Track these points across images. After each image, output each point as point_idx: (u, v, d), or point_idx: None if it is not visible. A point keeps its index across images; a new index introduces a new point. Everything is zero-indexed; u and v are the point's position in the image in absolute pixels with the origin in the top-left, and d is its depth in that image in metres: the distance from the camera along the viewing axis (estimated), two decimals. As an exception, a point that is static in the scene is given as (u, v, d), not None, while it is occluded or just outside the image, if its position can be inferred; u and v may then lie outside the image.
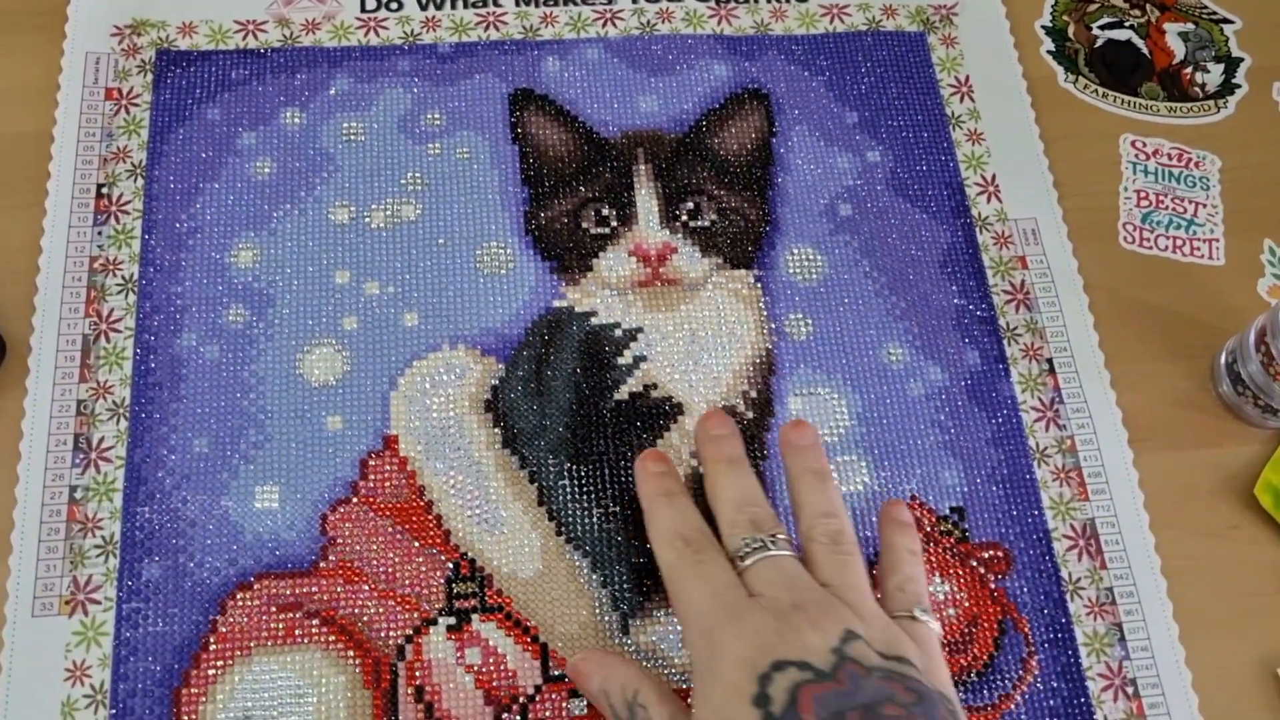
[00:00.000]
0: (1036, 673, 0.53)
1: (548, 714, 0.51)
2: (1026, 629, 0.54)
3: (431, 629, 0.52)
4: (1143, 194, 0.65)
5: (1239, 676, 0.55)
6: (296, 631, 0.52)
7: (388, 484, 0.55)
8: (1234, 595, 0.56)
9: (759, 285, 0.60)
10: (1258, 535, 0.58)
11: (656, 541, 0.50)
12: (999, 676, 0.53)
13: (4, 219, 0.60)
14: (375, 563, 0.53)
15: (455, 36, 0.65)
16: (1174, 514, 0.57)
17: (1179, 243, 0.64)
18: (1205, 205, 0.65)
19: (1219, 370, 0.60)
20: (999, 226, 0.63)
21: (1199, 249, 0.64)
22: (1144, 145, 0.67)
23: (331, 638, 0.52)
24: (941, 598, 0.54)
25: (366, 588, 0.53)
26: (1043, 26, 0.70)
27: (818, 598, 0.45)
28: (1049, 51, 0.69)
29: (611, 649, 0.52)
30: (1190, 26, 0.71)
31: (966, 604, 0.54)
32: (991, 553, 0.56)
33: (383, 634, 0.52)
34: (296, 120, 0.62)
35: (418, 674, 0.51)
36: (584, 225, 0.60)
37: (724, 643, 0.44)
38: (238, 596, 0.52)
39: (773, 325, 0.59)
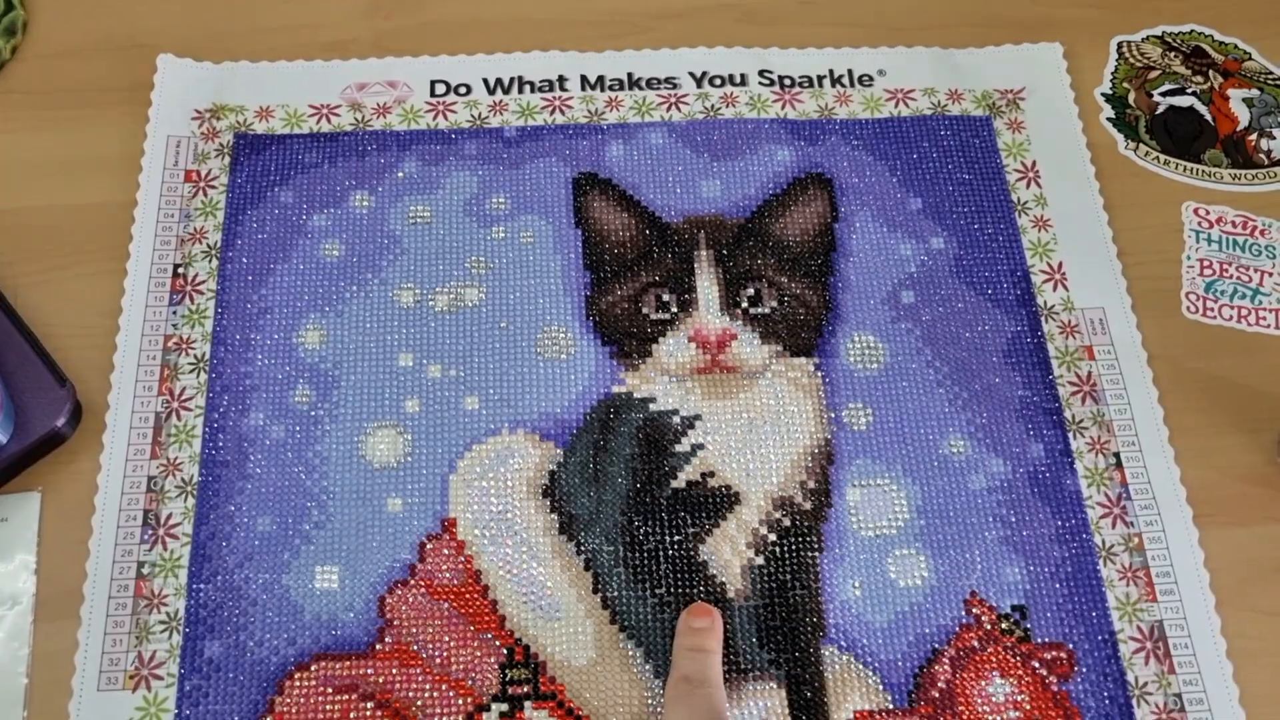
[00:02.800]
0: (1100, 780, 0.52)
1: (597, 807, 0.51)
2: (1090, 734, 0.53)
3: (484, 715, 0.52)
4: (1206, 263, 0.64)
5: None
6: (351, 715, 0.52)
7: (445, 567, 0.55)
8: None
9: (819, 374, 0.60)
10: (1330, 619, 0.56)
11: (670, 677, 0.52)
12: (1060, 783, 0.52)
13: (85, 284, 0.62)
14: (431, 646, 0.54)
15: (521, 120, 0.67)
16: (1242, 593, 0.56)
17: (1244, 312, 0.63)
18: (1272, 274, 0.64)
19: None
20: (1065, 316, 0.62)
21: (1265, 318, 0.63)
22: (1207, 213, 0.66)
23: (385, 722, 0.52)
24: (1001, 699, 0.53)
25: (421, 671, 0.53)
26: (1102, 94, 0.70)
27: None
28: (1109, 119, 0.69)
29: None
30: (1255, 92, 0.70)
31: (1028, 706, 0.53)
32: (1054, 653, 0.54)
33: (437, 718, 0.52)
34: (365, 203, 0.64)
35: (469, 762, 0.51)
36: (644, 310, 0.61)
37: None
38: (295, 677, 0.53)
39: (832, 414, 0.59)
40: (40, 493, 0.57)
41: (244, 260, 0.62)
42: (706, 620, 0.53)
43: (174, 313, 0.61)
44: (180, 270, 0.62)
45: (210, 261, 0.62)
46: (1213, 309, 0.63)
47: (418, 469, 0.57)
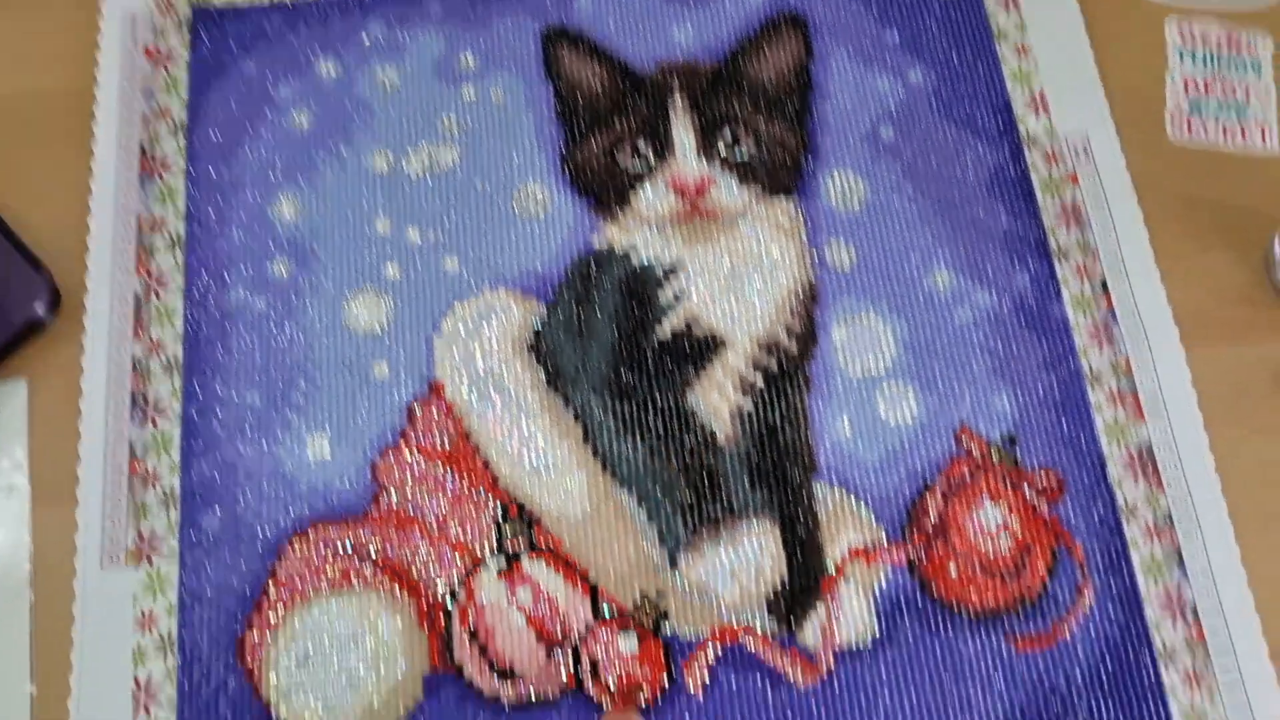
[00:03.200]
0: (1092, 599, 0.53)
1: (600, 652, 0.52)
2: (1081, 556, 0.53)
3: (482, 571, 0.53)
4: (1191, 81, 0.63)
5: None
6: (352, 576, 0.53)
7: (435, 429, 0.55)
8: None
9: (800, 215, 0.59)
10: (1317, 429, 0.56)
11: None
12: (1053, 604, 0.52)
13: (51, 174, 0.61)
14: (426, 507, 0.54)
15: (486, -25, 0.65)
16: (1228, 411, 0.56)
17: (1230, 130, 0.62)
18: (1258, 89, 0.63)
19: (1273, 259, 0.58)
20: (1048, 144, 0.61)
21: (1250, 135, 0.62)
22: (1191, 29, 0.64)
23: (386, 582, 0.53)
24: (993, 527, 0.54)
25: (418, 532, 0.54)
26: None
27: None
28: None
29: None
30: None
31: (1019, 531, 0.54)
32: (1044, 479, 0.55)
33: (435, 577, 0.53)
34: (332, 70, 0.62)
35: (471, 616, 0.52)
36: (620, 161, 0.60)
37: None
38: (294, 544, 0.54)
39: (815, 255, 0.58)
40: (25, 380, 0.57)
41: (212, 136, 0.61)
42: None
43: (145, 192, 0.60)
44: (147, 149, 0.61)
45: (177, 139, 0.61)
46: (1198, 128, 0.62)
47: (401, 333, 0.57)
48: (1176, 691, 0.51)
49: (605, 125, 0.61)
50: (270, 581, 0.53)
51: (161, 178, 0.60)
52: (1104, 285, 0.58)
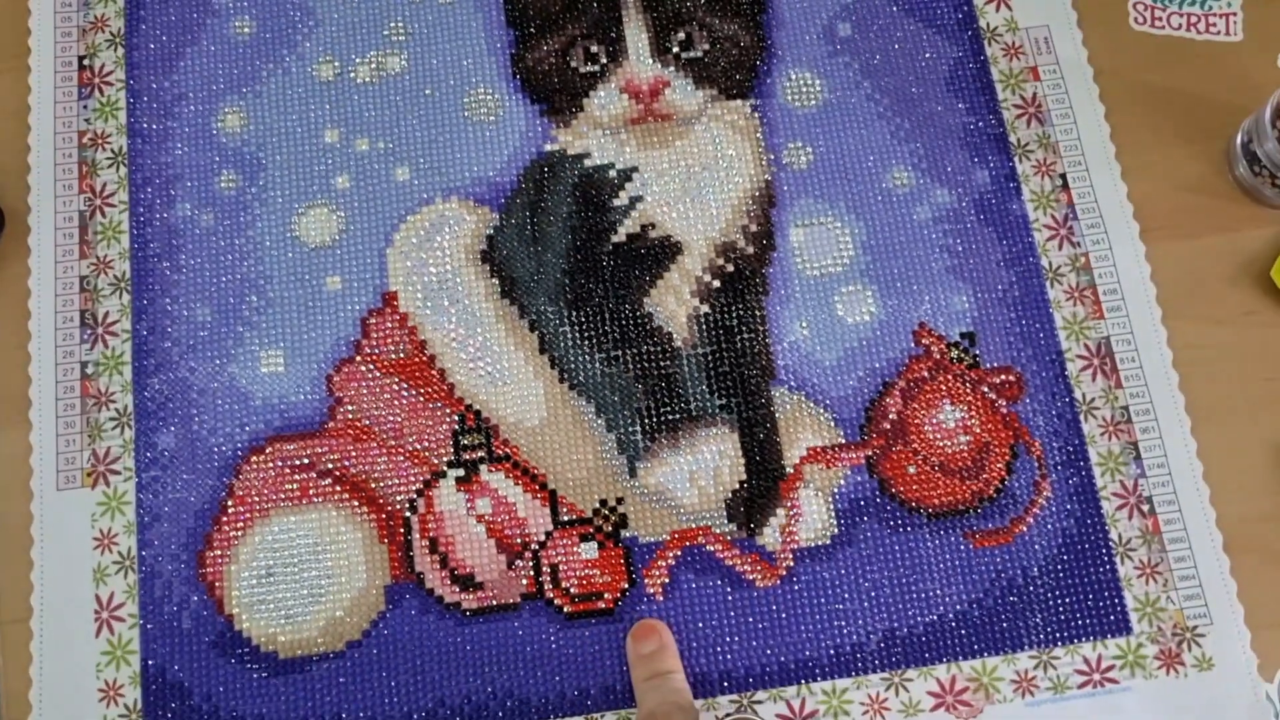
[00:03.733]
0: (1049, 495, 0.53)
1: (559, 559, 0.52)
2: (1039, 452, 0.53)
3: (441, 482, 0.53)
4: (1156, -28, 0.62)
5: (1253, 466, 0.54)
6: (311, 491, 0.53)
7: (390, 341, 0.55)
8: (1249, 381, 0.55)
9: (756, 115, 0.58)
10: (1274, 319, 0.56)
11: (640, 713, 0.49)
12: (1011, 501, 0.53)
13: (-11, 88, 0.59)
14: (382, 420, 0.54)
15: (429, -128, 0.63)
16: (1188, 304, 0.56)
17: (1193, 20, 0.61)
18: (1225, -21, 0.62)
19: (1235, 152, 0.57)
20: (1009, 37, 0.60)
21: (1214, 25, 0.61)
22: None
23: (345, 495, 0.53)
24: (952, 425, 0.54)
25: (375, 445, 0.53)
26: None
27: None
28: None
29: None
30: None
31: (978, 430, 0.54)
32: (1003, 377, 0.55)
33: (394, 489, 0.53)
34: (272, -26, 0.61)
35: (430, 526, 0.52)
36: (573, 64, 0.58)
37: None
38: (251, 460, 0.53)
39: (771, 156, 0.57)
40: (-28, 301, 0.56)
41: (151, 46, 0.59)
42: (655, 641, 0.51)
43: (85, 107, 0.58)
44: (86, 62, 0.59)
45: (116, 50, 0.59)
46: (1161, 18, 0.61)
47: (353, 245, 0.56)
48: (1132, 583, 0.52)
49: (557, 27, 0.59)
50: (229, 498, 0.53)
51: (101, 91, 0.59)
52: (1064, 181, 0.58)
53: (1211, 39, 0.61)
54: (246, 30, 0.60)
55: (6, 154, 0.58)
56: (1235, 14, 0.61)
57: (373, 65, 0.59)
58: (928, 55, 0.59)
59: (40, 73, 0.59)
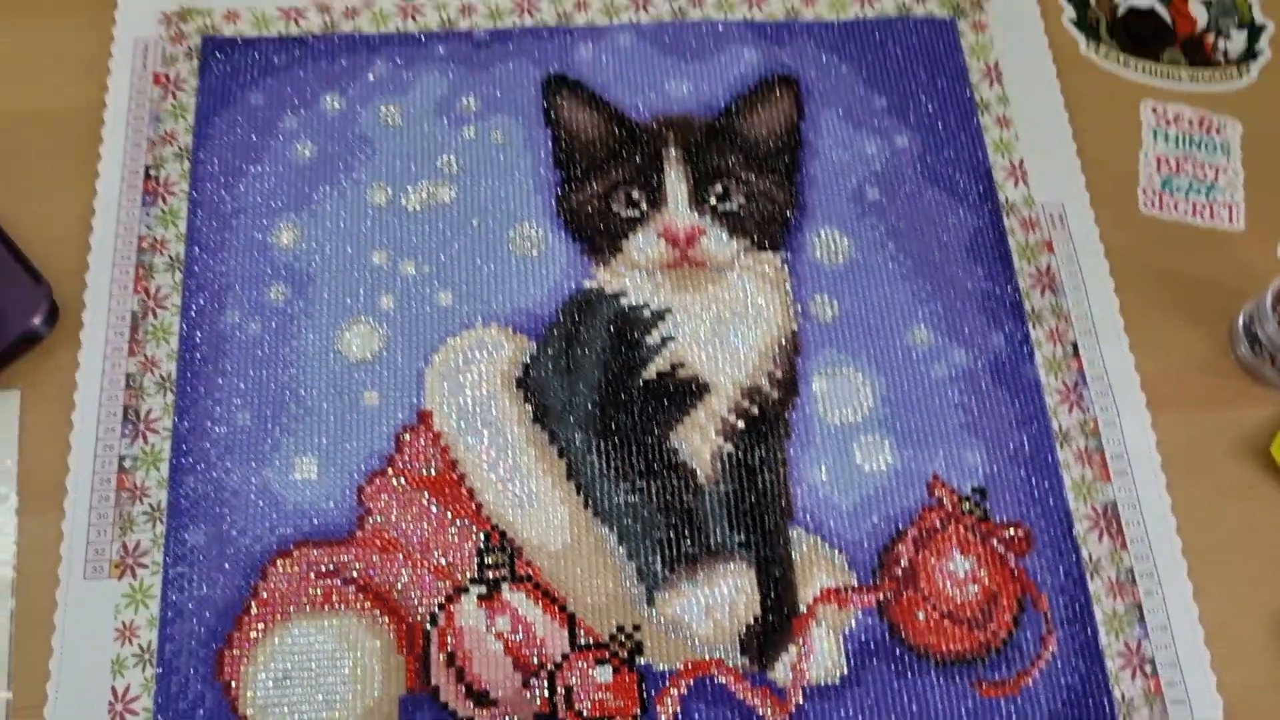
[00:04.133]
0: (1055, 650, 0.54)
1: (575, 681, 0.53)
2: (1046, 607, 0.55)
3: (463, 597, 0.54)
4: (1163, 159, 0.66)
5: (1254, 634, 0.55)
6: (334, 597, 0.54)
7: (422, 457, 0.57)
8: (1250, 552, 0.57)
9: (785, 268, 0.61)
10: (1274, 494, 0.58)
11: None
12: (1017, 653, 0.54)
13: (57, 190, 0.62)
14: (409, 533, 0.55)
15: (491, 23, 0.67)
16: (1192, 475, 0.58)
17: (1199, 207, 0.65)
18: (1226, 170, 0.66)
19: (1237, 333, 0.61)
20: (1026, 211, 0.64)
21: (1219, 213, 0.65)
22: (1165, 111, 0.67)
23: (367, 604, 0.54)
24: (962, 575, 0.55)
25: (401, 557, 0.55)
26: (1064, -5, 0.71)
27: None
28: (1071, 20, 0.70)
29: None
30: (1213, -7, 0.72)
31: (987, 581, 0.55)
32: (1013, 532, 0.56)
33: (416, 601, 0.54)
34: (336, 105, 0.64)
35: (449, 640, 0.53)
36: (614, 208, 0.62)
37: None
38: (278, 563, 0.54)
39: (799, 307, 0.60)
40: (19, 390, 0.58)
41: (215, 162, 0.63)
42: None
43: (147, 214, 0.61)
44: (152, 172, 0.62)
45: (182, 163, 0.62)
46: (1169, 204, 0.65)
47: (393, 362, 0.58)
48: (1134, 743, 0.53)
49: (601, 172, 0.63)
50: (252, 599, 0.54)
51: (164, 200, 0.61)
52: (1075, 349, 0.60)
53: (1215, 226, 0.64)
54: (307, 154, 0.63)
55: (68, 252, 0.60)
56: (1238, 204, 0.65)
57: (424, 194, 0.62)
58: (950, 223, 0.63)
59: (108, 178, 0.62)
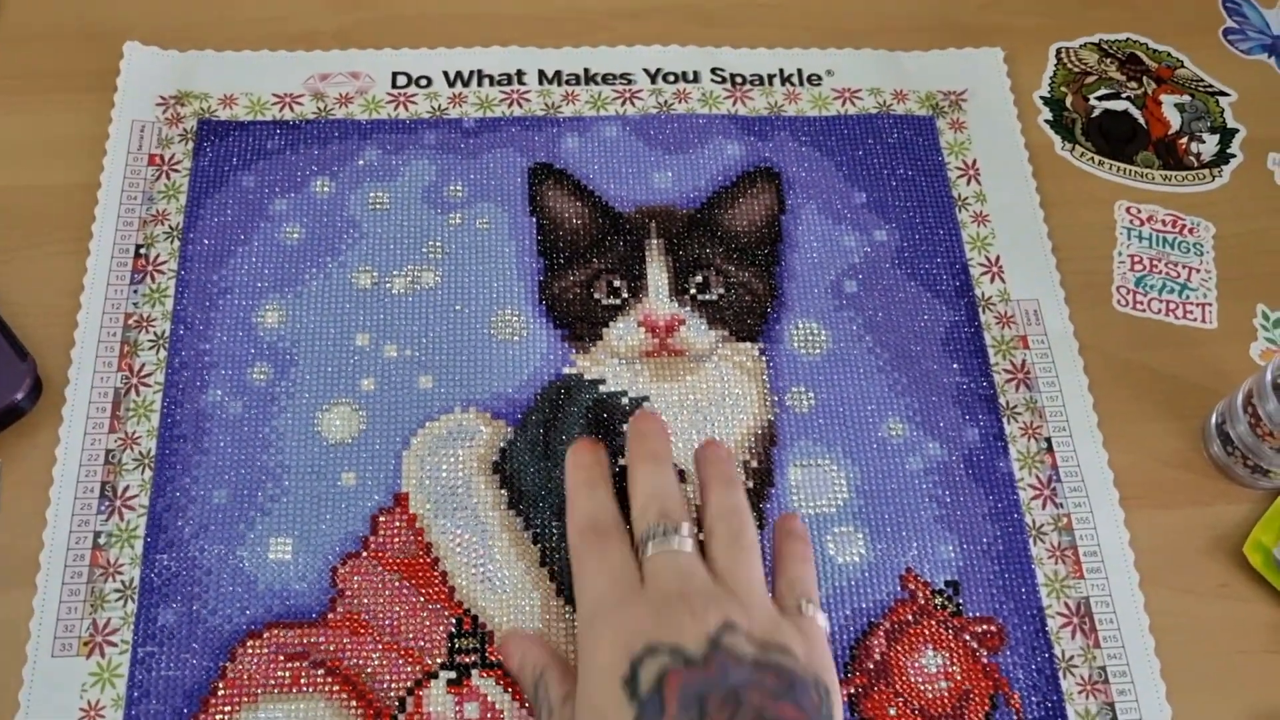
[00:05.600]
0: (1025, 748, 0.54)
1: (541, 771, 0.52)
2: (1018, 704, 0.55)
3: (432, 682, 0.54)
4: (1136, 258, 0.67)
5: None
6: (302, 680, 0.53)
7: (396, 540, 0.57)
8: (1223, 652, 0.57)
9: (763, 358, 0.62)
10: (1247, 593, 0.58)
11: (570, 527, 0.52)
12: (988, 750, 0.54)
13: (48, 264, 0.63)
14: (381, 615, 0.55)
15: (480, 112, 0.68)
16: (1164, 572, 0.58)
17: (1172, 306, 0.66)
18: (1199, 270, 0.67)
19: (1210, 431, 0.61)
20: (1002, 307, 0.64)
21: (1192, 312, 0.66)
22: (1139, 212, 0.68)
23: (336, 687, 0.53)
24: (934, 670, 0.55)
25: (371, 640, 0.54)
26: (1041, 97, 0.72)
27: (702, 588, 0.48)
28: (1047, 121, 0.72)
29: (533, 632, 0.54)
30: (1187, 98, 0.73)
31: (959, 677, 0.55)
32: (985, 627, 0.56)
33: (385, 685, 0.53)
34: (326, 189, 0.65)
35: (416, 726, 0.53)
36: (596, 296, 0.63)
37: (606, 625, 0.47)
38: (248, 644, 0.54)
39: (775, 397, 0.61)
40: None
41: (205, 242, 0.64)
42: (595, 453, 0.55)
43: (135, 291, 0.62)
44: (142, 250, 0.63)
45: (172, 243, 0.63)
46: (1142, 302, 0.66)
47: (372, 445, 0.59)
48: (1104, 846, 0.52)
49: (584, 260, 0.64)
50: (220, 680, 0.53)
51: (153, 279, 0.62)
52: (1049, 444, 0.61)
53: (1189, 324, 0.65)
54: (295, 236, 0.64)
55: (55, 328, 0.61)
56: (1211, 304, 0.66)
57: (409, 278, 0.63)
58: (927, 317, 0.64)
59: (98, 255, 0.63)
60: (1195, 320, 0.65)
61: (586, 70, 0.71)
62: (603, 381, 0.61)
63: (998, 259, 0.66)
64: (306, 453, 0.59)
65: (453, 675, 0.54)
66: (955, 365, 0.63)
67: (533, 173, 0.66)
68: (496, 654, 0.54)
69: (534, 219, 0.65)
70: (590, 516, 0.52)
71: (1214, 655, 0.57)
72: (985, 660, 0.56)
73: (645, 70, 0.71)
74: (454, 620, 0.55)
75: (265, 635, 0.54)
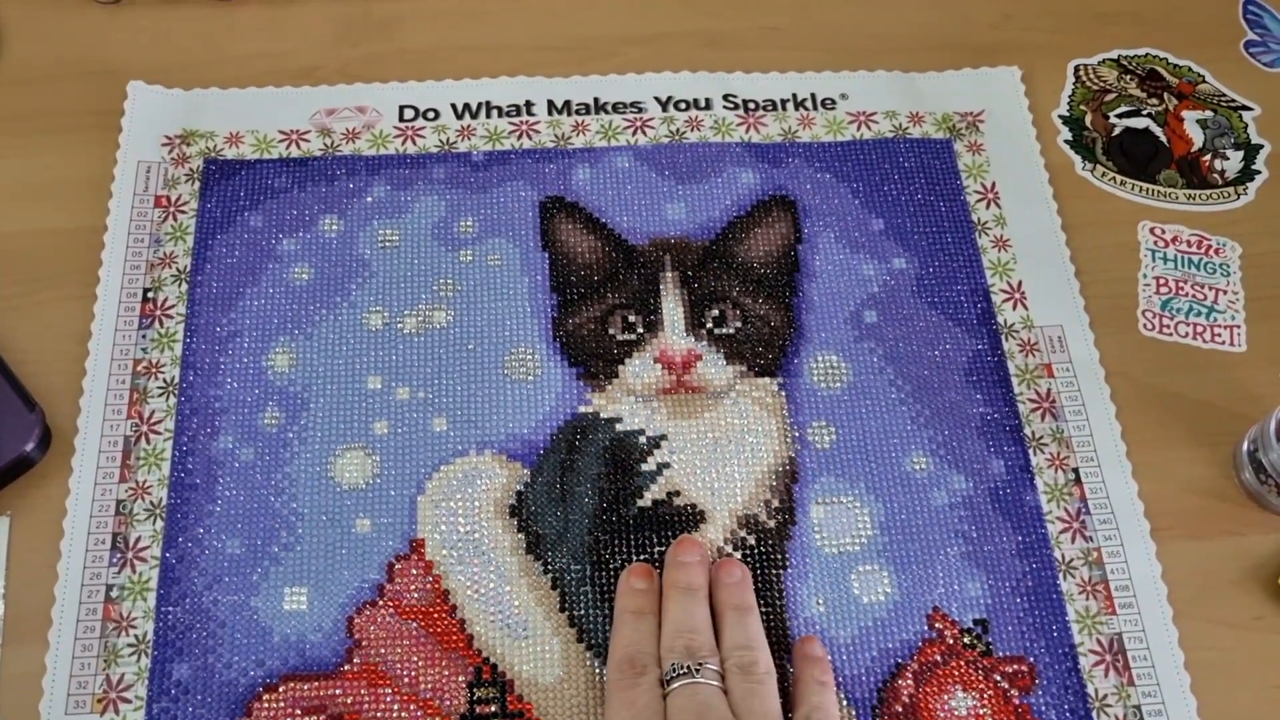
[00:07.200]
0: (1060, 792, 0.53)
1: (564, 825, 0.51)
2: (1051, 746, 0.53)
3: (452, 735, 0.53)
4: (1162, 281, 0.66)
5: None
6: (319, 735, 0.52)
7: (413, 587, 0.56)
8: (1260, 687, 0.56)
9: (782, 393, 0.61)
10: (1281, 626, 0.57)
11: (611, 653, 0.52)
12: (1021, 795, 0.52)
13: (55, 309, 0.62)
14: (399, 666, 0.54)
15: (489, 145, 0.67)
16: (1199, 604, 0.57)
17: (1199, 329, 0.64)
18: (1226, 292, 0.65)
19: (1241, 458, 0.60)
20: (1025, 334, 0.63)
21: (1220, 335, 0.64)
22: (1163, 232, 0.67)
23: (353, 742, 0.52)
24: (964, 712, 0.54)
25: (390, 691, 0.53)
26: (1060, 116, 0.71)
27: None
28: (1066, 141, 0.70)
29: None
30: (1209, 114, 0.72)
31: (990, 719, 0.54)
32: (1015, 667, 0.55)
33: (404, 739, 0.53)
34: (335, 227, 0.64)
35: (437, 781, 0.52)
36: (611, 332, 0.62)
37: None
38: (263, 699, 0.53)
39: (796, 433, 0.60)
40: (9, 517, 0.57)
41: (213, 284, 0.63)
42: (648, 580, 0.54)
43: (143, 336, 0.61)
44: (150, 294, 0.62)
45: (180, 286, 0.63)
46: (1169, 326, 0.64)
47: (386, 490, 0.58)
48: None
49: (597, 296, 0.63)
50: (236, 736, 0.52)
51: (161, 323, 0.62)
52: (1077, 475, 0.60)
53: (1217, 348, 0.64)
54: (305, 277, 0.63)
55: (63, 375, 0.60)
56: (1239, 326, 0.64)
57: (420, 318, 0.62)
58: (948, 346, 0.62)
59: (105, 301, 0.62)
60: (1224, 344, 0.64)
61: (596, 99, 0.70)
62: (619, 420, 0.60)
63: (1020, 284, 0.64)
64: (320, 499, 0.58)
65: (473, 727, 0.53)
66: (979, 395, 0.61)
67: (544, 207, 0.65)
68: (516, 703, 0.53)
69: (546, 254, 0.64)
70: (632, 648, 0.52)
71: (1250, 689, 0.55)
72: (1017, 701, 0.54)
73: (656, 98, 0.70)
74: (473, 669, 0.54)
75: (281, 689, 0.53)
